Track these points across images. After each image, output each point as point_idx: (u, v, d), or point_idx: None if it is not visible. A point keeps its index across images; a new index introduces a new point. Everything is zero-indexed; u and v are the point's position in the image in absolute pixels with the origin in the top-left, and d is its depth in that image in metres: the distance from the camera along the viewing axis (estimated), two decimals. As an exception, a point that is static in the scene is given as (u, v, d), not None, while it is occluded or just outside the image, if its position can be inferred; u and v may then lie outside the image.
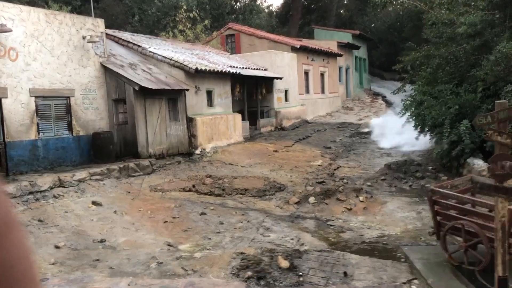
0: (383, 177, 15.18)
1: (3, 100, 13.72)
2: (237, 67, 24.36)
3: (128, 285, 7.72)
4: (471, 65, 15.35)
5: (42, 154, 14.75)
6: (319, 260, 8.49)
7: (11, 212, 0.77)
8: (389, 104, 36.65)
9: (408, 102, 17.29)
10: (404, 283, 7.45)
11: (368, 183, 14.64)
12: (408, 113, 17.15)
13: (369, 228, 10.76)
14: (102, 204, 12.33)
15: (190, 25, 33.33)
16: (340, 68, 37.98)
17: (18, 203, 11.63)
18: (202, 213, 11.86)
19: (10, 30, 13.66)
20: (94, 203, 12.35)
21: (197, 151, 19.23)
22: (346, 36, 40.27)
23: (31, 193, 12.13)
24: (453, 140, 14.02)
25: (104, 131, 16.71)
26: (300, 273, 7.93)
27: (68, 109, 15.85)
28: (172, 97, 18.62)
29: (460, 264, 7.80)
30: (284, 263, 8.23)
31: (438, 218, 8.32)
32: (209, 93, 21.48)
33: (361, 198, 12.80)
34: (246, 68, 25.26)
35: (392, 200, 12.92)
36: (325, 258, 8.59)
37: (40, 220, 11.01)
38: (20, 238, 0.76)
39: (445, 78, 16.18)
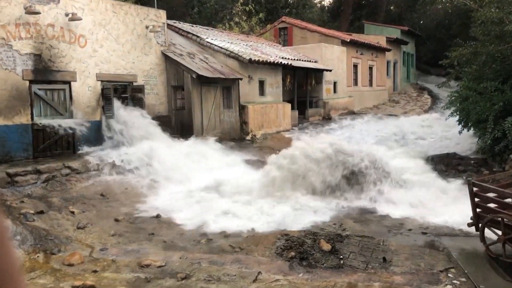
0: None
1: (72, 83, 14.15)
2: (288, 58, 24.26)
3: (180, 258, 7.87)
4: (518, 63, 14.78)
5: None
6: (360, 245, 8.41)
7: None
8: (434, 98, 35.72)
9: (453, 98, 16.82)
10: (441, 271, 7.29)
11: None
12: (453, 108, 16.71)
13: (408, 217, 10.56)
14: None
15: (245, 17, 33.36)
16: (388, 62, 37.28)
17: (83, 178, 12.03)
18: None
19: (80, 19, 14.03)
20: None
21: (248, 137, 19.33)
22: (395, 32, 39.41)
23: (95, 170, 12.55)
24: (497, 136, 13.59)
25: (163, 115, 17.01)
26: (341, 256, 7.89)
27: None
28: (226, 85, 18.76)
29: (497, 256, 7.59)
30: (326, 246, 8.20)
31: (478, 210, 8.10)
32: (261, 83, 21.51)
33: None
34: (297, 59, 25.13)
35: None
36: (366, 243, 8.51)
37: (102, 195, 11.36)
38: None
39: (491, 75, 15.61)
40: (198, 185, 12.66)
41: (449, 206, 10.90)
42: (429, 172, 13.65)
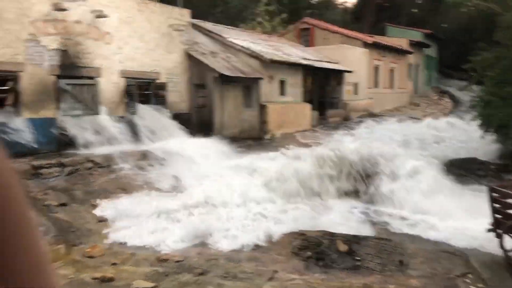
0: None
1: (97, 80, 14.33)
2: (309, 59, 24.22)
3: (198, 254, 7.94)
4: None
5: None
6: (377, 247, 8.38)
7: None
8: (456, 102, 35.31)
9: (475, 102, 16.66)
10: (458, 276, 7.23)
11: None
12: (475, 112, 16.54)
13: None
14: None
15: (268, 17, 33.36)
16: (410, 65, 36.96)
17: (105, 172, 12.17)
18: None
19: (106, 16, 14.21)
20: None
21: (267, 136, 19.36)
22: (417, 35, 39.04)
23: (116, 164, 12.69)
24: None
25: (184, 113, 17.12)
26: (358, 258, 7.88)
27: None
28: (247, 85, 18.81)
29: (516, 263, 7.50)
30: (343, 247, 8.20)
31: (497, 216, 8.01)
32: (282, 83, 21.51)
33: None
34: (318, 60, 25.07)
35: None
36: (383, 245, 8.48)
37: (123, 189, 11.47)
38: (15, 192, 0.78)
39: (515, 80, 15.41)
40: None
41: (467, 211, 10.79)
42: (447, 176, 13.54)
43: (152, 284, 6.51)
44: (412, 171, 12.47)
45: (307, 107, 22.90)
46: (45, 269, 0.79)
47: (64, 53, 13.33)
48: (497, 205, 7.99)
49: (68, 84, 13.48)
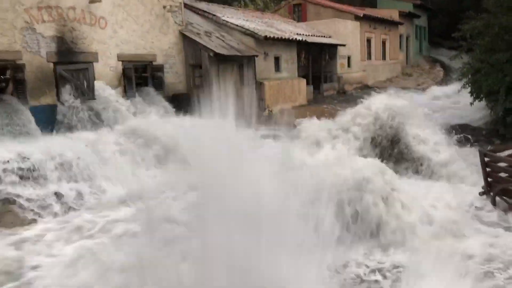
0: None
1: (94, 64, 14.15)
2: (303, 34, 23.96)
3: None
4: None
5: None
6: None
7: None
8: (447, 71, 35.07)
9: (465, 69, 16.51)
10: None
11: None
12: (465, 80, 16.41)
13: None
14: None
15: (260, -5, 32.95)
16: (400, 36, 36.63)
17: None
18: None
19: (99, 1, 13.98)
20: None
21: (265, 113, 19.25)
22: (407, 6, 38.58)
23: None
24: (509, 107, 13.35)
25: (182, 93, 16.99)
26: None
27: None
28: (242, 63, 18.63)
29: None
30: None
31: (489, 179, 8.00)
32: (277, 59, 21.31)
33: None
34: (311, 35, 24.81)
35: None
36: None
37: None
38: None
39: (503, 46, 15.22)
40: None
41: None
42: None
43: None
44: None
45: (302, 82, 22.72)
46: None
47: (60, 39, 13.13)
48: (488, 169, 7.98)
49: (65, 70, 13.30)
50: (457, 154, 11.16)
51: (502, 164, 7.97)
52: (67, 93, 13.20)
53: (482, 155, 7.95)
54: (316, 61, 25.28)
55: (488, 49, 15.63)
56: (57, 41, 13.09)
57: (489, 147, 9.01)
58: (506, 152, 8.42)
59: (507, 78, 13.80)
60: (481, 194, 8.35)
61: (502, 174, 7.90)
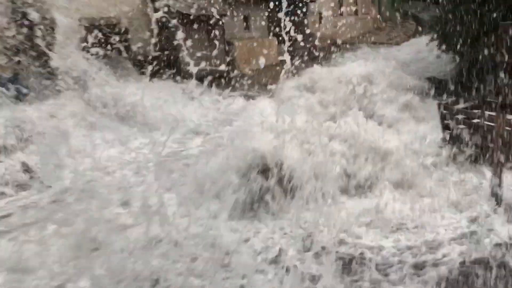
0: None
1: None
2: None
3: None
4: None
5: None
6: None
7: None
8: (418, 24, 34.87)
9: (433, 22, 16.44)
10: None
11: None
12: (433, 32, 16.35)
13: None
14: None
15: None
16: (373, -11, 36.20)
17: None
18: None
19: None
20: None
21: (235, 73, 19.04)
22: (379, -42, 37.95)
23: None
24: (474, 58, 13.35)
25: (151, 56, 16.64)
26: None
27: (116, 37, 15.79)
28: (211, 23, 18.26)
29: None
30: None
31: (447, 131, 8.09)
32: (246, 18, 20.96)
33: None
34: (281, -8, 24.35)
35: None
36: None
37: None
38: None
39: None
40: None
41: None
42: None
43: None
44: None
45: (273, 41, 22.42)
46: None
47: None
48: (446, 122, 8.05)
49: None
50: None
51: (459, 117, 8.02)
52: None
53: (440, 107, 8.02)
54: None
55: (456, 0, 15.51)
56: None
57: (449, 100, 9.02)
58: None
59: (471, 29, 13.75)
60: (440, 147, 8.47)
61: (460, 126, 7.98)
